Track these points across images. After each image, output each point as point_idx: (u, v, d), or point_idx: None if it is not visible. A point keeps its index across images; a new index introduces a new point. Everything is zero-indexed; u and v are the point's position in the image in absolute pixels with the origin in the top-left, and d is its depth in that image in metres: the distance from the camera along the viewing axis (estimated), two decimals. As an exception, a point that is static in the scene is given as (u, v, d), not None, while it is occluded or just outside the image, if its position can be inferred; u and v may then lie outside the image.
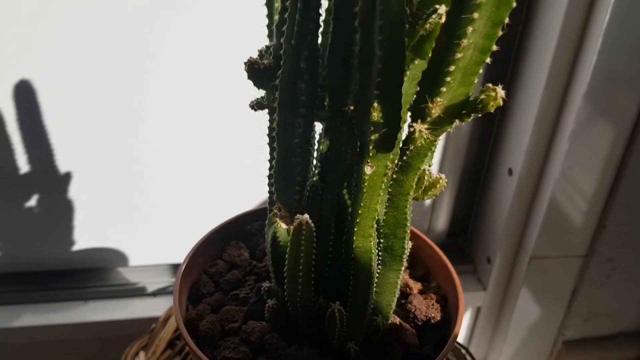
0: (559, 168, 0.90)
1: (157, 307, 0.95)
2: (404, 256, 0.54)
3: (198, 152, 0.89)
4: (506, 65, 0.95)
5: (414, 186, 0.49)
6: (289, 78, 0.47)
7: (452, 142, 1.01)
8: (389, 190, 0.49)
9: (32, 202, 0.88)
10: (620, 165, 0.93)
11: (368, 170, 0.45)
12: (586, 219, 0.97)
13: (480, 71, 0.40)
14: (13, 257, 0.93)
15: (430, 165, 0.56)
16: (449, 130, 0.44)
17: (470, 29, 0.37)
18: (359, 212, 0.48)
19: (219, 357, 0.55)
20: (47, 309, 0.94)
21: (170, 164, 0.90)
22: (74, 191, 0.88)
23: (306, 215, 0.47)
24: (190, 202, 0.94)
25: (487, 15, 0.37)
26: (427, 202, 1.07)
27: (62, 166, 0.86)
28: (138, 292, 0.99)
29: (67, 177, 0.87)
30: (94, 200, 0.90)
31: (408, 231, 0.52)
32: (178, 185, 0.92)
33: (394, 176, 0.48)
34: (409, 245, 0.54)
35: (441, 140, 1.00)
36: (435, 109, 0.41)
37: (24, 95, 0.79)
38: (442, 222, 1.10)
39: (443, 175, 0.55)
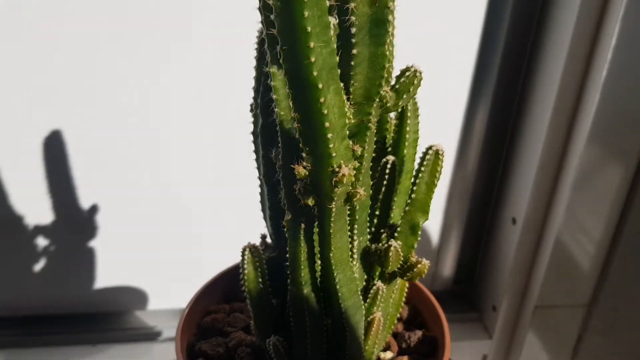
0: (562, 218, 0.88)
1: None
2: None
3: (217, 194, 0.90)
4: (509, 115, 0.94)
5: (349, 245, 0.49)
6: (256, 112, 0.51)
7: (457, 190, 1.00)
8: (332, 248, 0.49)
9: (48, 243, 0.92)
10: (622, 215, 0.89)
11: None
12: (589, 268, 0.93)
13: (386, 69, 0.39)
14: (28, 299, 0.96)
15: (413, 247, 0.55)
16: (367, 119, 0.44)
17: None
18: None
19: (197, 346, 0.61)
20: (57, 353, 0.95)
21: (189, 208, 0.92)
22: (91, 233, 0.91)
23: (251, 242, 0.51)
24: (209, 246, 0.95)
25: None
26: (433, 247, 1.05)
27: (81, 210, 0.89)
28: (154, 336, 0.99)
29: (85, 220, 0.90)
30: (112, 243, 0.93)
31: (354, 290, 0.51)
32: (197, 228, 0.93)
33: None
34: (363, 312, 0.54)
35: (445, 188, 1.00)
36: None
37: (51, 142, 0.83)
38: (448, 268, 1.07)
39: (427, 261, 0.53)
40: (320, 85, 0.36)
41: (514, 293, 0.99)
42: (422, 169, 0.51)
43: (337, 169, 0.39)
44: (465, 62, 0.89)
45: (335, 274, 0.50)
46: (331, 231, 0.48)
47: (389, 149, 0.55)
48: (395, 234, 0.54)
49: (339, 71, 0.37)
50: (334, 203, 0.44)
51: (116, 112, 0.82)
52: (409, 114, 0.52)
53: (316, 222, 0.48)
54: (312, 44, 0.34)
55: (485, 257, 1.06)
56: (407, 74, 0.44)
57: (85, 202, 0.90)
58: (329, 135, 0.38)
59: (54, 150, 0.84)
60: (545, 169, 0.88)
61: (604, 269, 0.93)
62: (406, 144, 0.53)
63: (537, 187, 0.89)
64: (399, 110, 0.50)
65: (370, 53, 0.39)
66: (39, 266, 0.94)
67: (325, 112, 0.37)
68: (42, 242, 0.93)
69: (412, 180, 0.53)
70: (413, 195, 0.52)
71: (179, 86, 0.82)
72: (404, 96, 0.45)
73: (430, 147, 0.51)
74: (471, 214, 1.03)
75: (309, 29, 0.33)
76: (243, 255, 0.53)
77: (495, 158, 0.98)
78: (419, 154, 0.54)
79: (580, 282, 0.94)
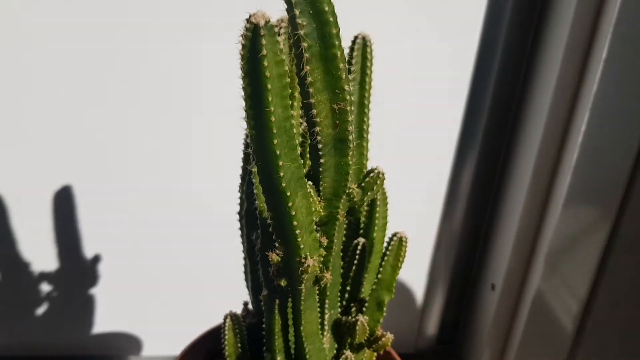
0: (538, 286, 0.93)
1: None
2: None
3: (214, 248, 0.96)
4: (491, 184, 1.00)
5: (319, 321, 0.55)
6: (242, 197, 0.58)
7: (441, 254, 1.05)
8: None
9: (51, 289, 0.98)
10: (595, 284, 0.94)
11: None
12: (564, 332, 0.97)
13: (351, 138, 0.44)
14: (25, 340, 1.01)
15: (379, 322, 0.61)
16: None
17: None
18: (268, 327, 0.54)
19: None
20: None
21: (187, 260, 0.97)
22: (92, 280, 0.97)
23: (232, 310, 0.58)
24: (204, 295, 1.01)
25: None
26: (418, 306, 1.10)
27: (83, 259, 0.95)
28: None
29: (87, 268, 0.96)
30: (110, 290, 0.99)
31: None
32: (197, 275, 0.99)
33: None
34: None
35: (430, 250, 1.06)
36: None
37: (60, 195, 0.90)
38: (432, 327, 1.12)
39: (390, 335, 0.60)
40: (288, 193, 0.42)
41: (492, 355, 1.03)
42: (388, 252, 0.57)
43: (303, 260, 0.46)
44: (448, 137, 0.96)
45: (305, 345, 0.56)
46: (302, 308, 0.54)
47: (362, 231, 0.61)
48: (364, 309, 0.60)
49: (306, 180, 0.44)
50: (303, 285, 0.50)
51: (123, 169, 0.90)
52: (378, 202, 0.58)
53: (289, 299, 0.54)
54: (281, 163, 0.40)
55: (466, 320, 1.10)
56: (372, 174, 0.51)
57: (88, 252, 0.96)
58: (297, 232, 0.45)
59: (63, 202, 0.91)
60: (523, 237, 0.94)
61: (578, 334, 0.98)
62: (376, 228, 0.60)
63: (515, 255, 0.95)
64: (366, 202, 0.56)
65: (336, 162, 0.46)
66: (39, 310, 1.00)
67: (294, 213, 0.44)
68: (44, 287, 0.99)
69: (380, 261, 0.59)
70: (379, 276, 0.58)
71: (184, 147, 0.89)
72: (369, 193, 0.52)
73: (395, 234, 0.58)
74: (454, 277, 1.09)
75: (278, 152, 0.40)
76: (224, 322, 0.59)
77: (477, 224, 1.04)
78: (388, 236, 0.60)
79: (555, 346, 0.99)
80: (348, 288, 0.61)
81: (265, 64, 0.35)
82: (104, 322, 1.02)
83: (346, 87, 0.40)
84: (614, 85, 0.79)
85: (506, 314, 1.00)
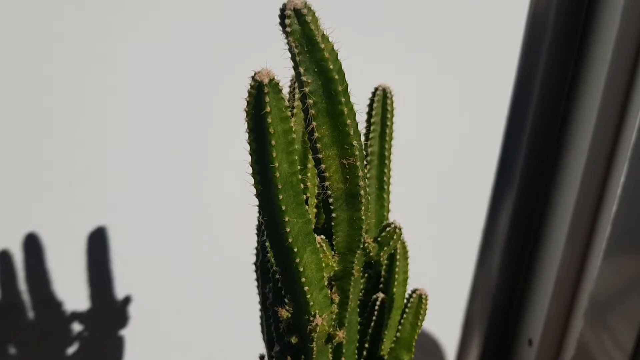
0: (577, 339, 0.89)
1: None
2: None
3: (241, 292, 0.95)
4: (527, 239, 0.97)
5: None
6: (257, 247, 0.57)
7: (477, 306, 1.02)
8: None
9: (81, 327, 0.99)
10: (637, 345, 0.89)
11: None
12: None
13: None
14: None
15: None
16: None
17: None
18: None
19: None
20: None
21: (213, 304, 0.97)
22: (121, 322, 0.98)
23: None
24: (230, 342, 1.00)
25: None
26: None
27: (114, 300, 0.97)
28: None
29: (117, 310, 0.97)
30: (139, 332, 0.99)
31: None
32: (221, 323, 0.99)
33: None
34: None
35: (464, 303, 1.02)
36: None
37: (93, 236, 0.92)
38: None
39: None
40: (296, 249, 0.42)
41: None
42: (407, 310, 0.55)
43: (312, 318, 0.44)
44: (484, 184, 0.94)
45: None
46: (314, 366, 0.52)
47: (381, 285, 0.59)
48: (382, 369, 0.58)
49: (315, 235, 0.43)
50: (314, 343, 0.49)
51: (155, 214, 0.91)
52: (398, 257, 0.57)
53: (302, 356, 0.53)
54: (287, 218, 0.40)
55: (502, 377, 1.06)
56: (388, 229, 0.50)
57: (119, 293, 0.97)
58: (306, 288, 0.44)
59: (96, 243, 0.93)
60: (562, 289, 0.91)
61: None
62: (396, 283, 0.58)
63: (553, 308, 0.92)
64: (383, 257, 0.55)
65: (348, 216, 0.45)
66: (69, 349, 1.01)
67: (302, 269, 0.43)
68: (76, 326, 1.00)
69: (399, 318, 0.57)
70: (398, 334, 0.56)
71: (209, 193, 0.90)
72: (385, 248, 0.50)
73: (414, 291, 0.56)
74: (489, 332, 1.05)
75: (284, 207, 0.39)
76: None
77: (513, 275, 1.01)
78: (408, 292, 0.58)
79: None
80: (366, 345, 0.59)
81: (269, 120, 0.35)
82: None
83: (355, 143, 0.39)
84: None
85: (544, 373, 0.96)
